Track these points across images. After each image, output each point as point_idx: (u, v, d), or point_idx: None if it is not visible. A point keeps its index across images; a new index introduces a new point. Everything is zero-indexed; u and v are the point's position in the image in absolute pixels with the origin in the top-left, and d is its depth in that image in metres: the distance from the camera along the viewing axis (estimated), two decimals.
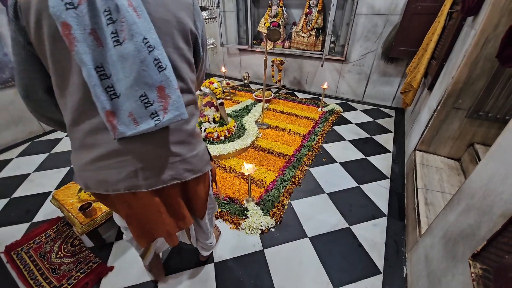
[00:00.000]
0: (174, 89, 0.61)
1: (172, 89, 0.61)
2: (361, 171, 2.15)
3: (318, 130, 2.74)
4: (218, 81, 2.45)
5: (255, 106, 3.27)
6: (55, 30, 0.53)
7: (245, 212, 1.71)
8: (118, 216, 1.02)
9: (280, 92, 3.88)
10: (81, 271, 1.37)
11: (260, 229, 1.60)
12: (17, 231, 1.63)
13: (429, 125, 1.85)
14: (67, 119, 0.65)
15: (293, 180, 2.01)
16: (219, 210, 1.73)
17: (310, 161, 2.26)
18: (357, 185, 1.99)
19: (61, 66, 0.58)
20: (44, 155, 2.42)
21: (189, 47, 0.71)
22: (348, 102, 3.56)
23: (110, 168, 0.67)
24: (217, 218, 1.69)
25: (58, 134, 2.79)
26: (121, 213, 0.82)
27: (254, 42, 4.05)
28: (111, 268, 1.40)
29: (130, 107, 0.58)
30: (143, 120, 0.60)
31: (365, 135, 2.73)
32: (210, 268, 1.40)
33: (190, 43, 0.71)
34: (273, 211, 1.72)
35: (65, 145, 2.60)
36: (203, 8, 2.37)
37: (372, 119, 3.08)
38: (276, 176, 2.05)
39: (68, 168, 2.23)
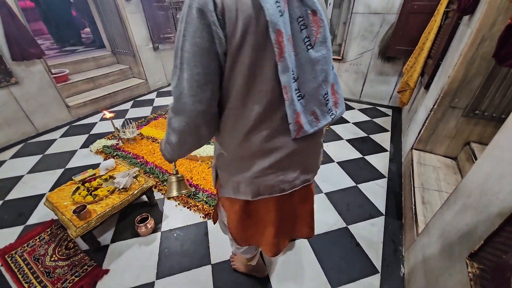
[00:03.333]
0: (339, 85, 0.69)
1: (339, 86, 0.69)
2: (359, 170, 2.15)
3: None
4: None
5: None
6: (261, 37, 0.52)
7: None
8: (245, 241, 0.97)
9: None
10: (76, 274, 1.35)
11: None
12: (11, 234, 1.60)
13: (425, 124, 1.86)
14: (245, 128, 0.62)
15: None
16: None
17: None
18: (354, 184, 1.99)
19: (253, 75, 0.56)
20: (38, 157, 2.38)
21: None
22: (345, 101, 3.56)
23: (289, 168, 0.71)
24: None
25: (52, 135, 2.75)
26: (274, 219, 0.82)
27: None
28: (107, 271, 1.38)
29: (313, 106, 0.64)
30: (323, 117, 0.67)
31: (362, 134, 2.73)
32: (207, 270, 1.39)
33: None
34: None
35: (59, 146, 2.56)
36: None
37: (369, 118, 3.08)
38: None
39: (62, 169, 2.20)
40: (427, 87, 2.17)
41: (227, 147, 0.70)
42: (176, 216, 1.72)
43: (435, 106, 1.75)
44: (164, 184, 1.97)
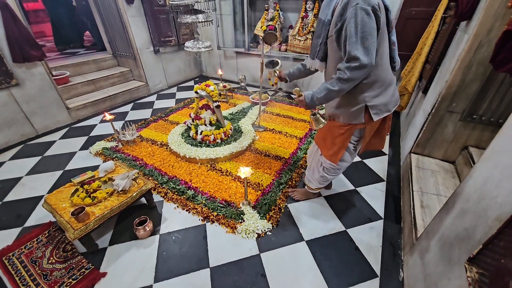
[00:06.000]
0: None
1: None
2: (357, 174, 2.16)
3: (314, 133, 2.74)
4: (215, 83, 2.44)
5: (251, 109, 3.27)
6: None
7: (242, 215, 1.69)
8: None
9: (276, 95, 3.88)
10: (73, 277, 1.34)
11: (256, 233, 1.59)
12: (8, 236, 1.59)
13: (424, 128, 1.87)
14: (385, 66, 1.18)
15: (290, 183, 2.00)
16: (215, 214, 1.72)
17: (307, 164, 2.25)
18: (353, 188, 1.99)
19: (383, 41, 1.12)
20: (37, 158, 2.38)
21: None
22: None
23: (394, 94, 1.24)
24: (213, 222, 1.68)
25: (51, 137, 2.75)
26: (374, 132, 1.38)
27: (251, 45, 4.06)
28: (104, 274, 1.37)
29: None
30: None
31: None
32: (205, 273, 1.38)
33: None
34: (270, 214, 1.71)
35: (58, 148, 2.56)
36: (199, 11, 2.37)
37: None
38: (273, 179, 2.04)
39: (61, 171, 2.20)
40: (425, 91, 2.19)
41: (380, 84, 1.14)
42: (175, 218, 1.72)
43: (433, 111, 1.77)
44: (163, 186, 1.97)
